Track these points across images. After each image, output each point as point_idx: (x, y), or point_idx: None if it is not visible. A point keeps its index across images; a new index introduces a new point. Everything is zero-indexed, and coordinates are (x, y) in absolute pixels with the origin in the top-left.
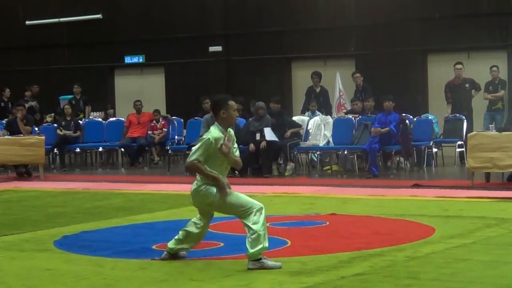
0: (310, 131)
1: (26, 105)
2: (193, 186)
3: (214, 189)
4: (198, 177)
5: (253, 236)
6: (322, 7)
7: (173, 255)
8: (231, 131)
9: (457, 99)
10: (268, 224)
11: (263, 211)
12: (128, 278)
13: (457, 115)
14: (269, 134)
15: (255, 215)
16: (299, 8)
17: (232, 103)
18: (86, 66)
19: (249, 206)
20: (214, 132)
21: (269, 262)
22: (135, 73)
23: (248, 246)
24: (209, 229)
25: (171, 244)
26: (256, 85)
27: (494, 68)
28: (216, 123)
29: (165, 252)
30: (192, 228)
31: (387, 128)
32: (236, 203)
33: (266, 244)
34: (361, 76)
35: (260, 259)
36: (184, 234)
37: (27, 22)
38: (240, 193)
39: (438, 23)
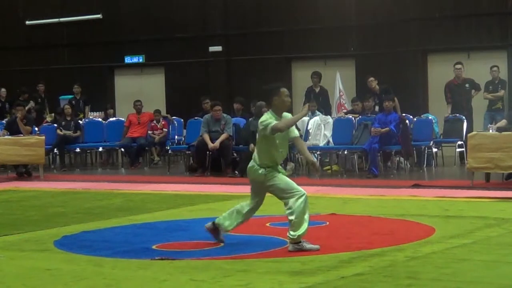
0: (310, 131)
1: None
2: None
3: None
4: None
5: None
6: (322, 7)
7: (216, 229)
8: (288, 115)
9: (457, 99)
10: (268, 224)
11: (305, 198)
12: (128, 278)
13: (457, 115)
14: None
15: (297, 200)
16: (299, 8)
17: (283, 90)
18: (86, 66)
19: (294, 190)
20: (270, 118)
21: (307, 245)
22: (135, 73)
23: (289, 229)
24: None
25: (218, 219)
26: (256, 85)
27: (495, 68)
28: (270, 110)
29: (211, 223)
30: (239, 207)
31: (387, 128)
32: (284, 187)
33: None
34: (375, 80)
35: (300, 242)
36: (231, 211)
37: (27, 22)
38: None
39: (438, 23)
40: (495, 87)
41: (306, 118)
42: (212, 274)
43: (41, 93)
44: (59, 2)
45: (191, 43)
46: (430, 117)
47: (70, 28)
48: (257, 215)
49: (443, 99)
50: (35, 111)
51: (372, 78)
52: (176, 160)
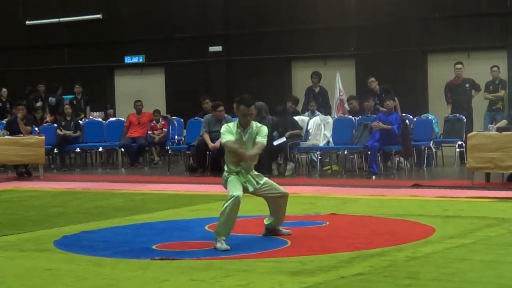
0: (310, 131)
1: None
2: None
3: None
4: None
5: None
6: (322, 7)
7: (271, 231)
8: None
9: (457, 99)
10: None
11: (232, 200)
12: (128, 278)
13: (457, 115)
14: (279, 140)
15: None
16: (299, 8)
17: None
18: (86, 66)
19: (229, 192)
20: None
21: (219, 245)
22: (135, 73)
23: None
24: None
25: (266, 220)
26: (256, 85)
27: (495, 68)
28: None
29: (266, 230)
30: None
31: (389, 126)
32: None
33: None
34: (375, 80)
35: (216, 239)
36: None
37: (27, 22)
38: (237, 181)
39: (438, 23)
40: (495, 87)
41: (306, 118)
42: (212, 274)
43: (41, 93)
44: (59, 2)
45: (191, 43)
46: (430, 117)
47: (70, 28)
48: (256, 215)
49: (443, 99)
50: (41, 111)
51: (372, 79)
52: (176, 160)
